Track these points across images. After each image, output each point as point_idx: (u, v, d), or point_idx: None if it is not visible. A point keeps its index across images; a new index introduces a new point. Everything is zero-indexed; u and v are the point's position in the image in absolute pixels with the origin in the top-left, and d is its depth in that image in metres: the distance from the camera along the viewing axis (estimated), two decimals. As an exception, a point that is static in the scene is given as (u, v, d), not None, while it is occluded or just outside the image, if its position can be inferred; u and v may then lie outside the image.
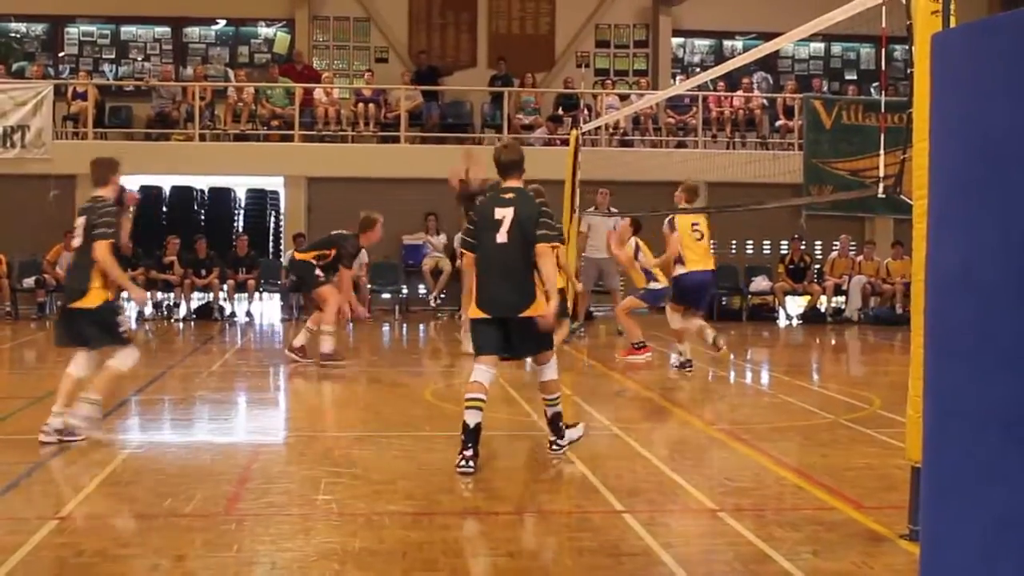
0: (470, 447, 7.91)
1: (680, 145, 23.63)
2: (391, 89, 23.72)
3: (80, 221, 9.14)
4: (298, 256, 14.97)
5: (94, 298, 8.90)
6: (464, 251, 8.62)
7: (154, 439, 9.56)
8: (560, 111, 24.03)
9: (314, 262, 14.01)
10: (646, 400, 11.89)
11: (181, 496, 7.07)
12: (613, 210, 18.10)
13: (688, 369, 13.68)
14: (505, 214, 8.26)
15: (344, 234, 14.20)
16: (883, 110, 7.90)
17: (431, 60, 25.37)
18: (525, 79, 24.58)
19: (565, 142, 19.25)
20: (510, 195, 8.43)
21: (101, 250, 8.88)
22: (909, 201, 6.21)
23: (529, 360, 10.00)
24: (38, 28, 25.88)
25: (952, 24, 5.59)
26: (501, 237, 8.22)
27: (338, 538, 6.22)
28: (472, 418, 7.97)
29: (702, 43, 27.31)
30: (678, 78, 25.45)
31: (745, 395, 13.15)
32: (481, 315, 8.25)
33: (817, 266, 22.30)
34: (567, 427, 8.64)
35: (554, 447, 8.54)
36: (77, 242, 9.13)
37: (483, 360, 8.25)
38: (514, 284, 8.19)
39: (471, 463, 7.86)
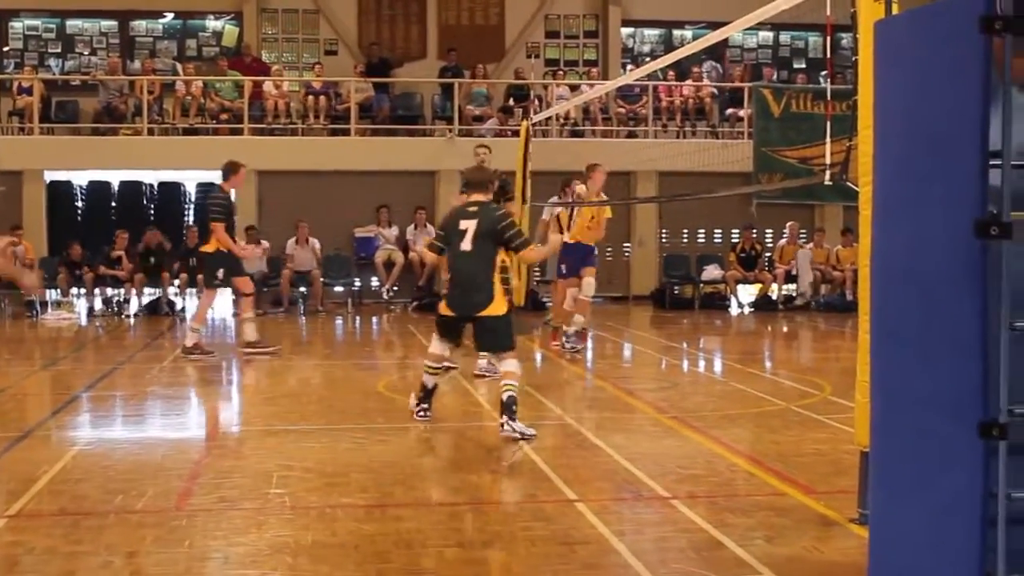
0: (427, 402, 9.54)
1: (631, 135, 23.74)
2: (341, 81, 23.64)
3: None
4: (204, 250, 14.52)
5: None
6: (431, 252, 9.83)
7: (104, 435, 9.48)
8: (511, 102, 24.03)
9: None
10: (598, 389, 11.93)
11: (132, 492, 7.03)
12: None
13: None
14: (469, 225, 9.17)
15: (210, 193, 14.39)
16: (829, 98, 7.96)
17: (381, 52, 25.28)
18: (476, 70, 24.55)
19: (516, 133, 19.25)
20: (474, 208, 9.34)
21: None
22: (855, 188, 6.25)
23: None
24: (-18, 23, 25.59)
25: (894, 11, 5.63)
26: (466, 245, 9.16)
27: (290, 531, 6.19)
28: (430, 381, 9.55)
29: (652, 33, 27.38)
30: (628, 68, 25.49)
31: (697, 383, 13.23)
32: (448, 313, 9.26)
33: (768, 254, 22.44)
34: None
35: (505, 428, 8.73)
36: None
37: (443, 339, 9.42)
38: (477, 287, 9.08)
39: (427, 413, 9.51)
